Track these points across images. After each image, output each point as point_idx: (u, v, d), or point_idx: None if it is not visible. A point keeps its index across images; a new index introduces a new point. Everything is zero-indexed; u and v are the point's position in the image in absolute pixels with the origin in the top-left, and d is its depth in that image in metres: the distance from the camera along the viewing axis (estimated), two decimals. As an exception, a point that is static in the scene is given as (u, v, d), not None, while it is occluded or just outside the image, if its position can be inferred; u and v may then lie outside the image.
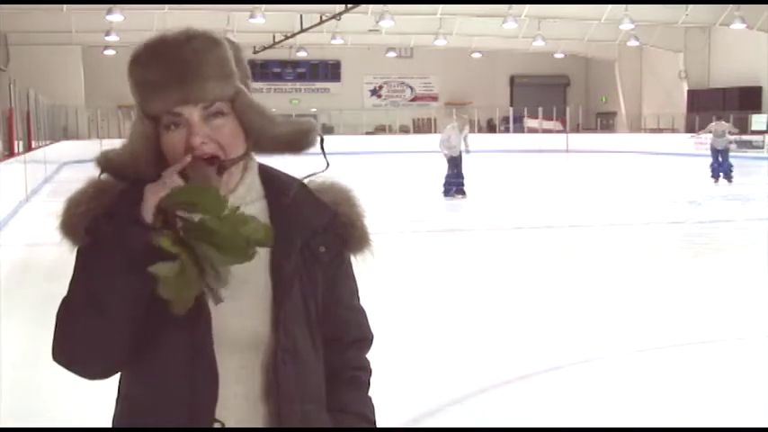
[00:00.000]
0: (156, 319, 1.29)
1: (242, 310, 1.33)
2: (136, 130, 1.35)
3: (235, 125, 1.34)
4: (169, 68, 1.30)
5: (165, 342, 1.31)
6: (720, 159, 18.89)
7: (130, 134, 1.36)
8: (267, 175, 1.43)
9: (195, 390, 1.30)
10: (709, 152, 19.44)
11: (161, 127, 1.32)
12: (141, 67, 1.32)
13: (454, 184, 15.62)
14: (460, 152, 15.60)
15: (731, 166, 18.88)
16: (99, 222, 1.31)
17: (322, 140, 1.42)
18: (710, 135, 19.39)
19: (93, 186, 1.36)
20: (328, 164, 1.44)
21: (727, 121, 20.27)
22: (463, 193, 15.65)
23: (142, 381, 1.33)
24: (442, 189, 15.72)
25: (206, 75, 1.31)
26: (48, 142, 23.33)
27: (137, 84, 1.33)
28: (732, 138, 19.35)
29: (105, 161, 1.37)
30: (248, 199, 1.38)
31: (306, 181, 1.45)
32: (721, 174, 18.79)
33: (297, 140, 1.40)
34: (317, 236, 1.40)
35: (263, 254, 1.35)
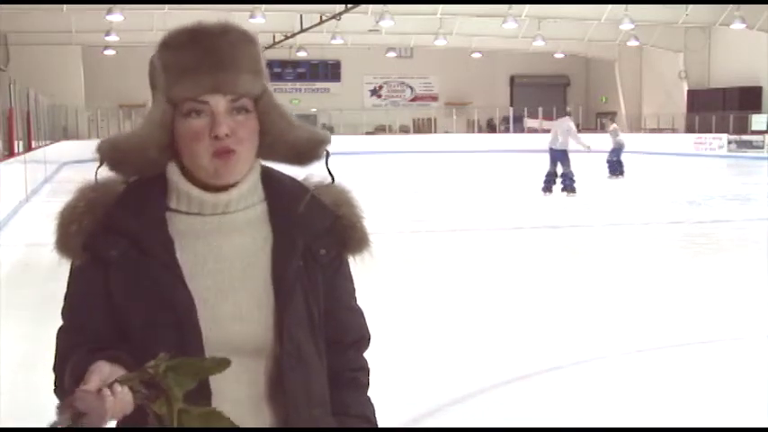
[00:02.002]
0: (147, 339, 1.28)
1: (242, 316, 1.32)
2: (153, 115, 1.32)
3: (255, 124, 1.33)
4: (204, 55, 1.29)
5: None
6: (616, 157, 20.58)
7: (145, 120, 1.33)
8: (268, 176, 1.41)
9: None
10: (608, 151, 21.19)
11: (179, 114, 1.30)
12: (174, 50, 1.31)
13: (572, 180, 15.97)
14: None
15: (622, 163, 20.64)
16: (95, 238, 1.31)
17: (328, 155, 1.41)
18: (610, 136, 21.11)
19: (84, 199, 1.33)
20: (333, 179, 1.43)
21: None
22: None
23: None
24: (563, 185, 15.95)
25: (239, 67, 1.30)
26: (48, 142, 23.34)
27: (166, 67, 1.31)
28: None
29: (111, 149, 1.34)
30: (250, 201, 1.37)
31: (301, 180, 1.43)
32: (610, 169, 20.55)
33: (309, 149, 1.39)
34: (319, 239, 1.39)
35: (264, 259, 1.35)
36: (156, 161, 1.34)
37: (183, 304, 1.29)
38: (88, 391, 1.13)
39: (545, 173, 16.22)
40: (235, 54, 1.30)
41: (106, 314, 1.31)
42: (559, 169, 15.94)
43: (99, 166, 1.35)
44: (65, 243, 1.32)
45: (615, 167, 20.55)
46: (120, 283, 1.31)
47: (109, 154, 1.34)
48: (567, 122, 16.20)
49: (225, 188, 1.34)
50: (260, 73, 1.33)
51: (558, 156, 15.89)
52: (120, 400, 1.14)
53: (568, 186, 15.88)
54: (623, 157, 20.70)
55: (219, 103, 1.29)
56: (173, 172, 1.35)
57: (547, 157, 16.29)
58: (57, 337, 1.35)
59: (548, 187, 16.07)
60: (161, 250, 1.31)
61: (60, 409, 1.11)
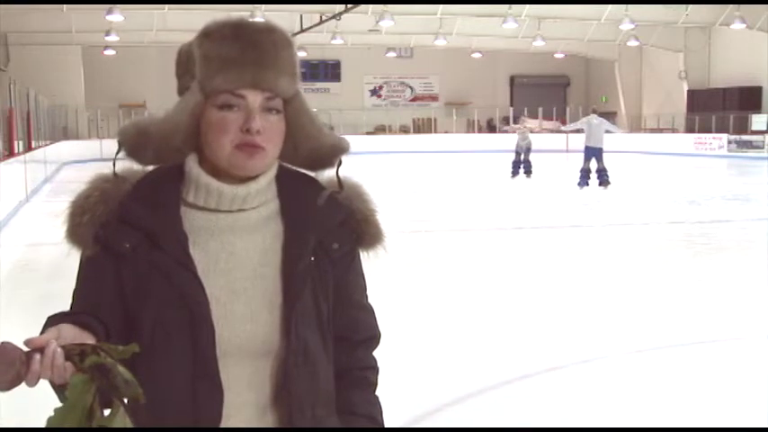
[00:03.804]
0: (158, 334, 1.28)
1: (252, 317, 1.31)
2: (185, 103, 1.31)
3: (284, 126, 1.34)
4: (247, 49, 1.29)
5: (167, 358, 1.28)
6: (523, 157, 20.86)
7: (177, 107, 1.32)
8: (281, 173, 1.40)
9: (198, 407, 1.28)
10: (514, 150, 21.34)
11: (212, 105, 1.30)
12: (217, 41, 1.31)
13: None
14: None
15: (531, 163, 20.82)
16: (107, 229, 1.29)
17: (340, 163, 1.41)
18: (517, 135, 21.45)
19: (98, 189, 1.32)
20: (342, 187, 1.42)
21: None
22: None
23: (144, 393, 1.23)
24: (599, 180, 17.17)
25: (280, 67, 1.31)
26: (48, 142, 23.34)
27: (206, 57, 1.30)
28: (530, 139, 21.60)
29: (138, 132, 1.33)
30: (265, 197, 1.37)
31: (313, 176, 1.43)
32: (522, 170, 20.79)
33: (330, 157, 1.40)
34: (331, 233, 1.38)
35: (275, 257, 1.34)
36: (178, 150, 1.33)
37: (198, 301, 1.27)
38: (7, 345, 1.13)
39: (579, 169, 17.40)
40: (277, 53, 1.31)
41: (116, 307, 1.30)
42: (593, 165, 17.13)
43: (118, 151, 1.34)
44: (76, 232, 1.31)
45: (527, 167, 20.82)
46: (131, 276, 1.29)
47: (134, 138, 1.33)
48: (602, 120, 17.52)
49: (243, 181, 1.33)
50: (296, 76, 1.34)
51: (596, 153, 17.14)
52: (55, 366, 1.13)
53: (605, 180, 17.04)
54: (530, 157, 21.08)
55: (257, 99, 1.29)
56: (192, 165, 1.34)
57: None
58: None
59: (585, 182, 17.23)
60: (175, 245, 1.29)
61: None
